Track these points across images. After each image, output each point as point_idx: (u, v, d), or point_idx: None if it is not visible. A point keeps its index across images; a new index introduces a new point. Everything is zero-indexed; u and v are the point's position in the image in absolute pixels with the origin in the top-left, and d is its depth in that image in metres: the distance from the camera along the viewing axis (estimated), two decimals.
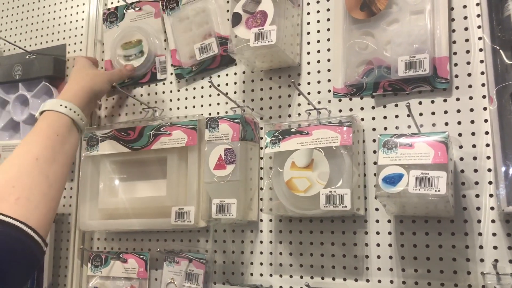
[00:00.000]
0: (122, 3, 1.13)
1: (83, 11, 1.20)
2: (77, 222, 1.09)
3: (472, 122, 0.78)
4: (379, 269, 0.81)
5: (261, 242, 0.92)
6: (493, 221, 0.75)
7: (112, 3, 1.17)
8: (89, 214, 1.04)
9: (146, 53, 1.06)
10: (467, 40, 0.80)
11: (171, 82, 1.06)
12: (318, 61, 0.91)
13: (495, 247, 0.74)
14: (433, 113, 0.81)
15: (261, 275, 0.91)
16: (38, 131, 0.85)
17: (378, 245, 0.82)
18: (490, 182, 0.76)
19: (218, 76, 1.01)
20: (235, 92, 0.99)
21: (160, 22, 1.06)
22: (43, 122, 0.87)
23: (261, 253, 0.91)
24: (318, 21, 0.92)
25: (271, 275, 0.90)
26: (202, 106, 1.02)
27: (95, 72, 1.03)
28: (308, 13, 0.93)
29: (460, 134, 0.78)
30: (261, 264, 0.91)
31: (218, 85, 0.97)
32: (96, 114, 1.14)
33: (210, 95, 1.01)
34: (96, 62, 1.11)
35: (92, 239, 1.10)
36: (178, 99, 1.05)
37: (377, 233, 0.82)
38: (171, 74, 1.07)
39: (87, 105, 0.95)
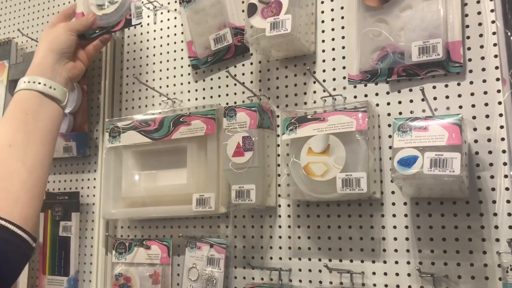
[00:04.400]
0: None
1: None
2: (101, 211, 1.14)
3: (486, 104, 0.79)
4: (396, 250, 0.83)
5: (280, 226, 0.94)
6: (508, 201, 0.76)
7: None
8: (112, 204, 1.07)
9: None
10: (480, 24, 0.81)
11: (188, 74, 1.09)
12: (333, 49, 0.93)
13: (510, 227, 0.75)
14: (447, 97, 0.82)
15: (280, 258, 0.93)
16: (6, 115, 0.79)
17: (394, 227, 0.84)
18: (505, 163, 0.77)
19: (235, 66, 1.03)
20: (251, 82, 1.01)
21: None
22: (11, 105, 0.81)
23: (280, 237, 0.94)
24: (332, 10, 0.94)
25: (290, 259, 0.92)
26: (219, 96, 1.04)
27: (52, 30, 0.95)
28: (322, 2, 0.95)
29: (474, 117, 0.80)
30: (280, 248, 0.94)
31: (235, 75, 0.99)
32: (117, 106, 1.18)
33: (226, 85, 1.03)
34: (70, 14, 1.04)
35: (116, 228, 1.14)
36: (196, 90, 1.07)
37: (394, 215, 0.84)
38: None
39: (54, 68, 0.88)
